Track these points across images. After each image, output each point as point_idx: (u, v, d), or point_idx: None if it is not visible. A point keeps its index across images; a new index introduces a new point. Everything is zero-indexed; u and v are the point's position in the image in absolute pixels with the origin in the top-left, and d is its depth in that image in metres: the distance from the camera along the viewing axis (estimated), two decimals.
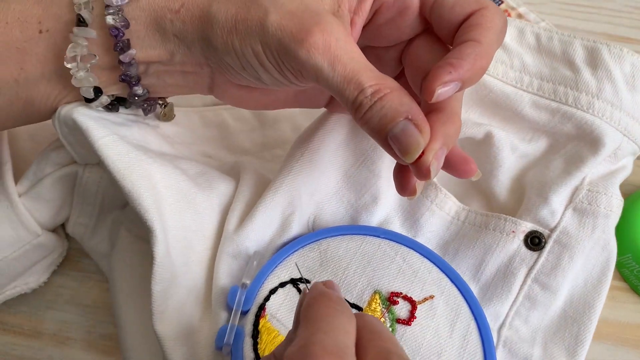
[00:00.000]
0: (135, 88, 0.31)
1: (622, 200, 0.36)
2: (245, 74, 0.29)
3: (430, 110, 0.27)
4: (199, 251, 0.32)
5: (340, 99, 0.26)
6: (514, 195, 0.37)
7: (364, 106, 0.25)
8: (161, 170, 0.32)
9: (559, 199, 0.35)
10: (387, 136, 0.25)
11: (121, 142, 0.31)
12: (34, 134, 0.41)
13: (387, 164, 0.35)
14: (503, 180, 0.37)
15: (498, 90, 0.35)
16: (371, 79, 0.26)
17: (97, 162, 0.37)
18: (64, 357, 0.36)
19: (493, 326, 0.34)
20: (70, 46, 0.29)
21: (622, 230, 0.37)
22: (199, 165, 0.35)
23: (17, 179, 0.36)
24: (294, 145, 0.35)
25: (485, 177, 0.37)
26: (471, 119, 0.37)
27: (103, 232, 0.39)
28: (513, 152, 0.37)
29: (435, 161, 0.26)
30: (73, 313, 0.38)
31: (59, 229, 0.40)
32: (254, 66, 0.28)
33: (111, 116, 0.33)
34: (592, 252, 0.35)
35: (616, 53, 0.35)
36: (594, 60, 0.35)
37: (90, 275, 0.39)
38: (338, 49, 0.26)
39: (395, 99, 0.25)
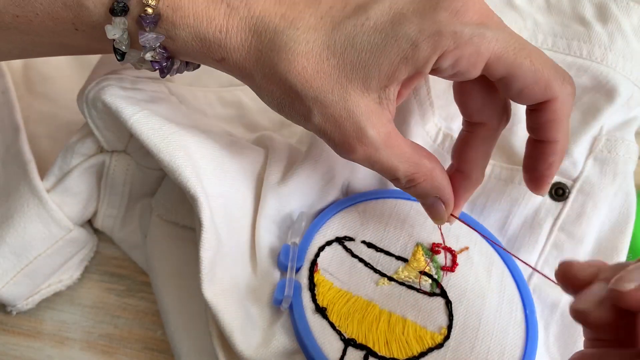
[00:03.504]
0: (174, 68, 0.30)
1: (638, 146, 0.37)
2: None
3: (459, 171, 0.31)
4: (238, 218, 0.33)
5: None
6: None
7: (401, 186, 0.30)
8: (195, 140, 0.32)
9: (579, 150, 0.36)
10: (421, 202, 0.31)
11: (153, 117, 0.32)
12: (54, 135, 0.41)
13: (411, 126, 0.36)
14: (522, 135, 0.38)
15: None
16: (406, 171, 0.28)
17: (124, 149, 0.37)
18: (64, 357, 0.36)
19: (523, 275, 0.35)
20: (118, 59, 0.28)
21: None
22: (228, 136, 0.35)
23: (40, 177, 0.35)
24: None
25: (505, 133, 0.38)
26: None
27: (133, 222, 0.39)
28: None
29: (453, 218, 0.32)
30: (72, 313, 0.38)
31: (86, 225, 0.39)
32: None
33: (138, 94, 0.34)
34: (616, 198, 0.36)
35: (624, 6, 0.36)
36: (603, 15, 0.36)
37: (90, 275, 0.39)
38: (377, 155, 0.28)
39: (427, 185, 0.29)
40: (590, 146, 0.36)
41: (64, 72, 0.44)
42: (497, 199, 0.36)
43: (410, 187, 0.29)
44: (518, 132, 0.38)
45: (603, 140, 0.36)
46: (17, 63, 0.44)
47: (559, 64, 0.36)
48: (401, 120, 0.36)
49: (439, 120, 0.37)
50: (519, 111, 0.37)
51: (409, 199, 0.35)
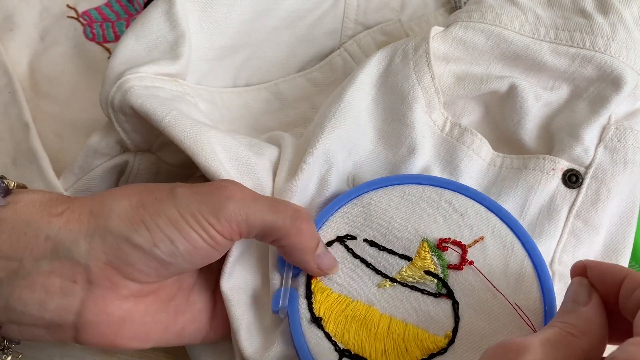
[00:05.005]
0: None
1: None
2: (158, 250, 0.27)
3: None
4: None
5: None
6: (543, 143, 0.38)
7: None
8: (221, 141, 0.32)
9: (589, 137, 0.36)
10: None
11: (182, 118, 0.32)
12: (62, 133, 0.41)
13: (417, 113, 0.36)
14: (531, 128, 0.38)
15: (517, 41, 0.37)
16: None
17: (149, 148, 0.37)
18: (66, 356, 0.36)
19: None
20: None
21: None
22: (246, 136, 0.36)
23: None
24: (324, 108, 0.36)
25: (514, 127, 0.38)
26: (493, 73, 0.38)
27: None
28: (537, 100, 0.38)
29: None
30: None
31: None
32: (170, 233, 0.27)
33: (160, 92, 0.34)
34: (626, 187, 0.36)
35: None
36: (603, 6, 0.37)
37: None
38: None
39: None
40: (600, 135, 0.36)
41: (68, 71, 0.45)
42: (512, 186, 0.35)
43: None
44: (526, 124, 0.38)
45: (612, 129, 0.36)
46: (23, 67, 0.44)
47: (562, 55, 0.37)
48: (406, 107, 0.36)
49: (445, 109, 0.37)
50: (525, 103, 0.38)
51: (419, 183, 0.34)
